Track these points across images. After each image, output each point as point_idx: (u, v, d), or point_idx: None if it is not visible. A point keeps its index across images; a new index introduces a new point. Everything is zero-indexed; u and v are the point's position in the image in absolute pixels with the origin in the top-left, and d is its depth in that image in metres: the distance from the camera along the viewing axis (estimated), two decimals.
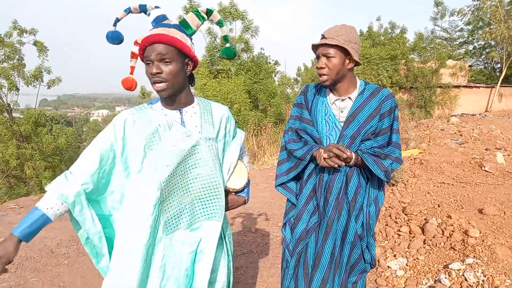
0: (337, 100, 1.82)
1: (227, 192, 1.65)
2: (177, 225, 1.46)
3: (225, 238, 1.65)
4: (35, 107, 13.88)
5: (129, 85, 1.60)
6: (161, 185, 1.40)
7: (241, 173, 1.71)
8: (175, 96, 1.47)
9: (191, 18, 1.51)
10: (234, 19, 14.90)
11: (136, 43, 1.56)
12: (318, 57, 1.74)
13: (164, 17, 1.47)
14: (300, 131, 1.92)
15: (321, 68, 1.72)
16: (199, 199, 1.51)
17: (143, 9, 1.50)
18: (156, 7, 1.50)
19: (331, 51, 1.69)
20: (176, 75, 1.40)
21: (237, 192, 1.69)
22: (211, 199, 1.53)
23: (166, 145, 1.43)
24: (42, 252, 3.62)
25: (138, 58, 1.54)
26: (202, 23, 1.57)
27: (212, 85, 13.85)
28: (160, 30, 1.38)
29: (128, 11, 1.50)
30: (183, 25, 1.49)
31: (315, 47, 1.77)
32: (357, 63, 1.76)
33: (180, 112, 1.51)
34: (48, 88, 13.49)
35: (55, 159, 12.66)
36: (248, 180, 1.74)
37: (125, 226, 1.41)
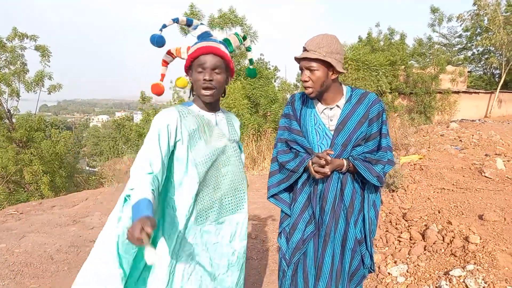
0: (325, 109, 1.83)
1: None
2: (206, 218, 1.62)
3: (241, 224, 1.81)
4: (35, 113, 13.90)
5: (158, 90, 1.75)
6: (199, 179, 1.55)
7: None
8: (214, 102, 1.66)
9: (234, 39, 1.75)
10: (233, 25, 14.97)
11: (169, 52, 1.72)
12: (301, 70, 1.74)
13: (209, 34, 1.66)
14: (290, 142, 1.91)
15: (305, 81, 1.73)
16: (227, 195, 1.69)
17: (189, 22, 1.67)
18: (202, 24, 1.68)
19: (314, 64, 1.68)
20: (222, 85, 1.61)
21: None
22: (236, 194, 1.73)
23: (205, 142, 1.60)
24: (42, 259, 3.60)
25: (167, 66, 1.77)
26: (240, 45, 1.79)
27: None
28: (214, 44, 1.57)
29: (176, 21, 1.64)
30: (227, 43, 1.69)
31: (297, 60, 1.76)
32: (340, 73, 1.75)
33: (215, 115, 1.70)
34: (49, 93, 13.54)
35: (54, 164, 12.66)
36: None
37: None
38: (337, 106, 1.82)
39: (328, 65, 1.69)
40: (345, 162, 1.76)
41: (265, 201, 5.54)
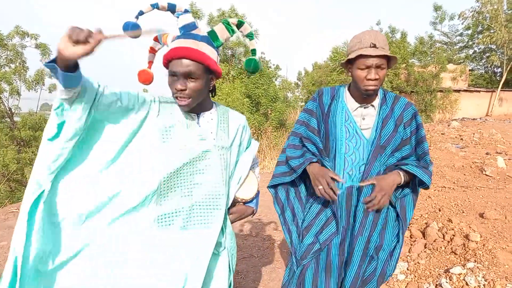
0: (359, 107, 1.76)
1: (235, 202, 1.64)
2: (169, 224, 1.41)
3: (228, 250, 1.58)
4: (36, 111, 13.92)
5: (145, 78, 1.55)
6: (161, 179, 1.38)
7: (251, 184, 1.69)
8: (196, 105, 1.46)
9: (221, 30, 1.46)
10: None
11: (155, 39, 1.54)
12: (367, 67, 1.61)
13: (193, 26, 1.41)
14: (304, 139, 1.84)
15: (375, 79, 1.62)
16: (199, 205, 1.47)
17: (171, 8, 1.42)
18: (186, 11, 1.43)
19: (384, 63, 1.62)
20: (199, 92, 1.39)
21: (245, 202, 1.68)
22: (211, 209, 1.50)
23: (179, 142, 1.42)
24: None
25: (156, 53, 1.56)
26: (231, 36, 1.50)
27: None
28: (190, 43, 1.35)
29: (155, 6, 1.41)
30: (212, 37, 1.43)
31: (363, 57, 1.60)
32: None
33: (198, 116, 1.50)
34: (50, 92, 13.55)
35: None
36: (258, 191, 1.72)
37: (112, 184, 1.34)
38: (372, 105, 1.76)
39: (388, 63, 1.65)
40: (401, 174, 1.66)
41: (266, 199, 5.54)
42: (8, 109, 12.67)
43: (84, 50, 1.07)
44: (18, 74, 12.55)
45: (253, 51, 1.60)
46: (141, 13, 1.41)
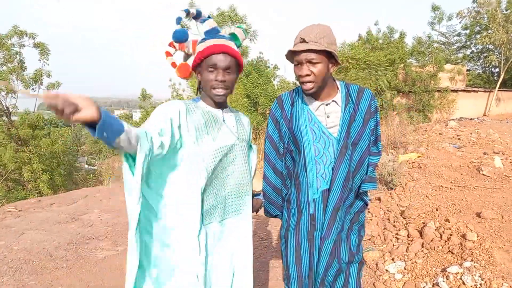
0: (321, 105, 1.70)
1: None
2: (212, 217, 1.57)
3: (246, 230, 1.76)
4: (33, 111, 13.87)
5: (185, 72, 1.68)
6: (207, 174, 1.50)
7: (258, 178, 1.88)
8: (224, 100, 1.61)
9: (240, 33, 1.67)
10: (233, 23, 14.95)
11: (171, 44, 1.67)
12: (299, 63, 1.59)
13: (218, 30, 1.61)
14: (276, 171, 1.85)
15: (307, 75, 1.57)
16: (231, 194, 1.63)
17: (198, 15, 1.61)
18: (209, 17, 1.62)
19: (315, 57, 1.54)
20: (233, 84, 1.58)
21: (254, 195, 1.86)
22: (241, 195, 1.67)
23: (212, 138, 1.55)
24: (41, 255, 3.61)
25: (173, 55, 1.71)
26: (245, 38, 1.72)
27: None
28: (225, 42, 1.54)
29: (187, 12, 1.59)
30: (234, 38, 1.63)
31: (293, 53, 1.59)
32: (338, 65, 1.66)
33: (223, 112, 1.65)
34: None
35: (53, 162, 12.64)
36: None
37: (176, 203, 1.49)
38: (334, 101, 1.70)
39: (328, 57, 1.58)
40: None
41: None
42: (5, 108, 12.63)
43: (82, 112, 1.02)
44: (16, 73, 12.49)
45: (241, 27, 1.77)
46: (180, 19, 1.59)
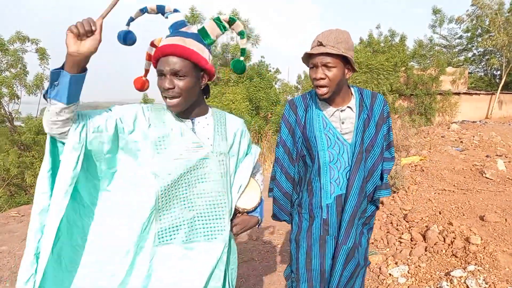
0: (336, 111, 1.68)
1: (236, 212, 1.54)
2: (171, 239, 1.34)
3: (228, 265, 1.48)
4: (36, 116, 13.93)
5: (141, 85, 1.50)
6: (157, 193, 1.30)
7: (253, 192, 1.58)
8: (188, 108, 1.38)
9: (211, 27, 1.40)
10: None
11: (152, 44, 1.47)
12: (314, 67, 1.57)
13: (183, 24, 1.37)
14: (287, 176, 1.86)
15: (321, 79, 1.55)
16: (202, 216, 1.39)
17: (160, 10, 1.39)
18: (175, 10, 1.39)
19: (331, 61, 1.53)
20: (189, 91, 1.31)
21: (249, 212, 1.57)
22: (214, 218, 1.41)
23: (174, 152, 1.34)
24: None
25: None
26: (223, 33, 1.45)
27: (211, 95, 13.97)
28: (176, 40, 1.29)
29: (145, 10, 1.38)
30: (202, 35, 1.38)
31: (310, 56, 1.59)
32: (355, 71, 1.67)
33: (192, 122, 1.42)
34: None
35: None
36: (261, 199, 1.61)
37: (112, 217, 1.30)
38: (349, 107, 1.69)
39: (345, 63, 1.58)
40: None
41: (266, 202, 5.54)
42: (8, 113, 12.68)
43: (95, 40, 1.09)
44: (18, 79, 12.57)
45: (243, 51, 1.53)
46: (131, 19, 1.38)
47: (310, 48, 1.61)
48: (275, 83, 16.48)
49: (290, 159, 1.82)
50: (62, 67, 1.10)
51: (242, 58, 1.52)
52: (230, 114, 1.57)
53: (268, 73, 15.90)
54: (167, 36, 1.35)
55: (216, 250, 1.40)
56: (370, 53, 17.13)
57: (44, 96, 1.13)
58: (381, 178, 1.80)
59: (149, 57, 1.48)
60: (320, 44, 1.55)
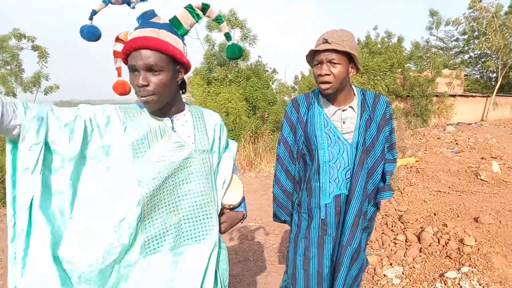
0: (337, 110, 1.69)
1: (222, 209, 1.50)
2: (158, 247, 1.25)
3: (217, 265, 1.42)
4: None
5: (122, 89, 1.37)
6: (143, 201, 1.20)
7: (237, 187, 1.55)
8: (164, 105, 1.28)
9: (184, 16, 1.28)
10: (233, 27, 14.99)
11: (118, 39, 1.34)
12: (319, 63, 1.58)
13: (152, 14, 1.24)
14: (288, 173, 1.84)
15: (326, 75, 1.56)
16: (188, 218, 1.32)
17: (126, 0, 1.26)
18: (142, 0, 1.26)
19: (336, 58, 1.55)
20: (165, 86, 1.21)
21: (233, 207, 1.53)
22: (201, 219, 1.34)
23: (155, 154, 1.24)
24: None
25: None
26: (197, 21, 1.33)
27: (205, 94, 13.97)
28: (147, 32, 1.17)
29: (108, 2, 1.26)
30: (174, 25, 1.26)
31: (313, 52, 1.60)
32: (358, 71, 1.68)
33: (171, 121, 1.32)
34: (45, 94, 13.51)
35: None
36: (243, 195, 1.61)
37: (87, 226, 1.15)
38: (351, 107, 1.69)
39: (349, 61, 1.60)
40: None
41: (262, 203, 5.54)
42: None
43: None
44: (14, 76, 12.50)
45: (227, 35, 1.42)
46: (94, 12, 1.27)
47: (315, 46, 1.62)
48: (272, 83, 16.48)
49: (291, 157, 1.82)
50: None
51: (229, 43, 1.41)
52: (206, 109, 1.49)
53: (265, 73, 15.90)
54: (136, 28, 1.22)
55: (206, 250, 1.34)
56: (367, 54, 17.17)
57: None
58: (384, 180, 1.81)
59: (116, 54, 1.36)
60: (326, 41, 1.57)
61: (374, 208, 1.84)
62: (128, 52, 1.18)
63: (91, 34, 1.26)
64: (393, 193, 1.83)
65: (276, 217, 1.96)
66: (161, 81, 1.19)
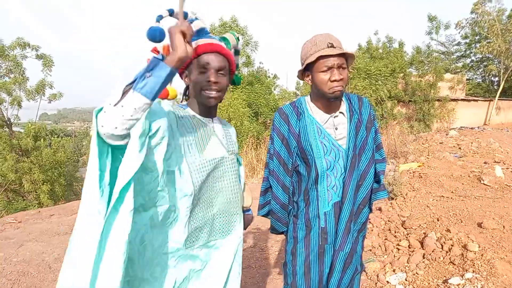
0: (330, 117, 1.67)
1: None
2: (197, 240, 1.38)
3: (235, 255, 1.55)
4: (35, 121, 13.94)
5: (164, 93, 1.42)
6: (193, 193, 1.32)
7: (247, 192, 1.70)
8: (214, 106, 1.46)
9: (231, 38, 1.51)
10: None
11: (155, 50, 1.40)
12: (329, 69, 1.55)
13: (207, 32, 1.44)
14: (284, 188, 1.79)
15: (341, 80, 1.55)
16: (220, 213, 1.46)
17: (184, 16, 1.36)
18: (197, 18, 1.43)
19: (344, 62, 1.56)
20: (226, 88, 1.42)
21: (244, 211, 1.68)
22: (230, 214, 1.50)
23: (201, 150, 1.38)
24: (40, 268, 3.59)
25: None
26: (236, 45, 1.56)
27: None
28: (216, 41, 1.39)
29: (171, 12, 1.34)
30: (225, 42, 1.47)
31: (326, 57, 1.54)
32: None
33: (212, 122, 1.48)
34: (49, 102, 13.62)
35: (54, 172, 12.64)
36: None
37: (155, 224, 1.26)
38: (341, 113, 1.68)
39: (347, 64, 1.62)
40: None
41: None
42: (7, 119, 12.69)
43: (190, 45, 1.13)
44: (18, 84, 12.61)
45: (237, 66, 1.58)
46: (160, 17, 1.33)
47: (315, 51, 1.56)
48: (274, 89, 16.55)
49: (286, 170, 1.76)
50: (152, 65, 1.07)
51: (236, 72, 1.59)
52: (223, 119, 1.64)
53: (267, 79, 15.96)
54: (194, 39, 1.37)
55: (232, 244, 1.50)
56: (368, 59, 17.21)
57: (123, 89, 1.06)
58: (378, 181, 1.80)
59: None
60: (332, 45, 1.54)
61: (368, 210, 1.82)
62: (202, 52, 1.35)
63: (163, 35, 1.26)
64: (387, 193, 1.82)
65: (274, 230, 1.95)
66: (225, 83, 1.40)
